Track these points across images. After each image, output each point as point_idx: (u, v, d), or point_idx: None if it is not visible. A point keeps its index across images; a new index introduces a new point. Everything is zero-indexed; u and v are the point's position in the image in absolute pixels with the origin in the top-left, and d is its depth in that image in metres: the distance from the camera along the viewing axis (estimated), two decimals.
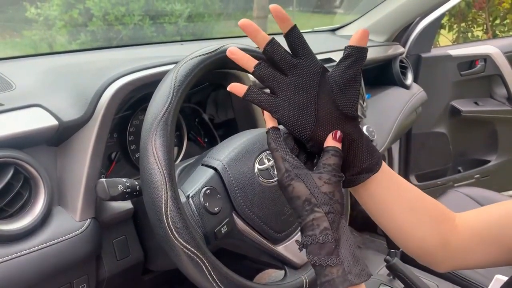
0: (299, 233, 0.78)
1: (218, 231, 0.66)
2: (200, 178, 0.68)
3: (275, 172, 0.74)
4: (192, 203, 0.65)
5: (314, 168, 0.52)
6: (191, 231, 0.58)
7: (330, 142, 0.53)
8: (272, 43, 0.53)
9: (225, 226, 0.67)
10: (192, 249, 0.58)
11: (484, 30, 3.95)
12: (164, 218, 0.57)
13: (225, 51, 0.71)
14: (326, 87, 0.54)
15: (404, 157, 2.05)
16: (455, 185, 2.11)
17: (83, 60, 0.99)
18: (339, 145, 0.53)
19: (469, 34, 3.94)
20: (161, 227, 0.57)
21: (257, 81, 1.02)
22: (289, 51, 0.54)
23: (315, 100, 0.53)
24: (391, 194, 0.56)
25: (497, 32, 3.81)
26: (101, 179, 0.65)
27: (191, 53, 0.69)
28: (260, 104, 0.54)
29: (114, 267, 0.79)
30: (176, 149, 0.99)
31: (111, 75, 0.77)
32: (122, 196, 0.66)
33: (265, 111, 0.55)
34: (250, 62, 0.54)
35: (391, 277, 1.10)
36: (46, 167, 0.71)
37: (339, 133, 0.53)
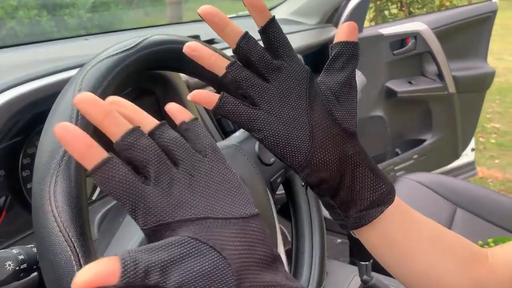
0: None
1: None
2: (133, 238, 0.47)
3: None
4: None
5: None
6: None
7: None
8: (247, 38, 0.39)
9: None
10: None
11: (399, 7, 4.01)
12: None
13: (149, 45, 0.50)
14: (319, 97, 0.40)
15: None
16: (395, 168, 2.06)
17: None
18: None
19: (386, 12, 3.98)
20: None
21: (189, 82, 0.81)
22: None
23: (306, 112, 0.39)
24: (408, 232, 0.43)
25: (411, 9, 3.88)
26: None
27: (101, 51, 0.47)
28: (239, 119, 0.39)
29: None
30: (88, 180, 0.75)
31: None
32: (15, 277, 0.44)
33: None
34: (219, 62, 0.39)
35: None
36: None
37: None
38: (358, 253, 0.98)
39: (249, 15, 1.31)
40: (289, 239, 1.10)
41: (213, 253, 0.29)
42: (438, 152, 2.19)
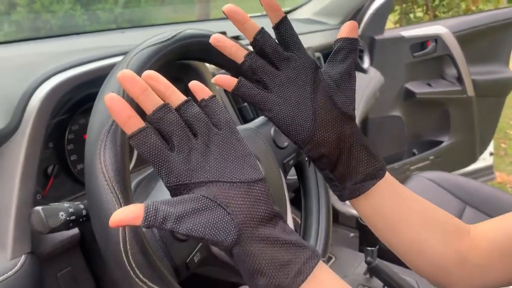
0: None
1: (190, 261, 0.54)
2: (164, 196, 0.55)
3: None
4: (156, 231, 0.53)
5: None
6: (159, 268, 0.46)
7: None
8: (263, 32, 0.46)
9: (198, 253, 0.55)
10: None
11: (424, 11, 4.01)
12: (123, 255, 0.45)
13: (183, 38, 0.58)
14: (322, 84, 0.47)
15: None
16: (411, 167, 2.10)
17: (6, 55, 0.82)
18: None
19: (411, 15, 3.99)
20: (119, 266, 0.45)
21: (216, 72, 0.90)
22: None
23: (311, 96, 0.46)
24: (398, 206, 0.49)
25: (437, 13, 3.88)
26: (36, 208, 0.51)
27: (142, 41, 0.55)
28: (253, 100, 0.46)
29: None
30: None
31: (42, 73, 0.62)
32: (65, 226, 0.53)
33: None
34: (239, 52, 0.46)
35: (368, 276, 1.04)
36: None
37: None
38: (365, 240, 1.05)
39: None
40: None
41: (219, 209, 0.37)
42: (454, 154, 2.22)
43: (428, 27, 2.05)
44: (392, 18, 4.04)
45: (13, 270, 0.56)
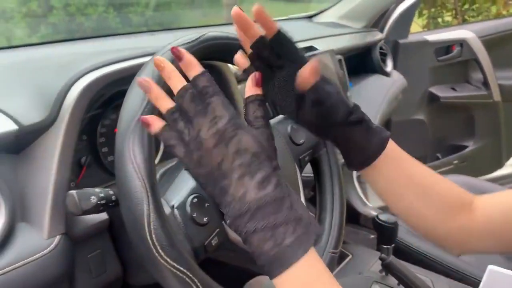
0: None
1: (208, 244, 0.58)
2: (185, 185, 0.60)
3: None
4: (178, 215, 0.57)
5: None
6: (179, 248, 0.51)
7: (252, 90, 0.47)
8: (259, 42, 0.50)
9: (216, 237, 0.59)
10: (181, 268, 0.50)
11: (453, 15, 3.97)
12: (147, 234, 0.49)
13: (207, 40, 0.63)
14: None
15: None
16: (435, 171, 2.10)
17: (44, 55, 0.89)
18: (260, 91, 0.47)
19: (440, 20, 3.96)
20: (143, 245, 0.50)
21: (238, 73, 0.95)
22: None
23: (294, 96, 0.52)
24: (401, 176, 0.55)
25: (466, 17, 3.84)
26: (71, 191, 0.56)
27: (169, 43, 0.60)
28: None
29: (89, 286, 0.70)
30: None
31: (77, 71, 0.68)
32: (96, 209, 0.58)
33: None
34: (254, 31, 0.50)
35: (384, 274, 1.06)
36: (6, 179, 0.61)
37: (257, 74, 0.47)
38: (381, 238, 1.08)
39: (299, 18, 1.46)
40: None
41: None
42: (479, 159, 2.20)
43: (453, 31, 2.05)
44: (420, 22, 4.01)
45: (48, 249, 0.62)
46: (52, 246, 0.62)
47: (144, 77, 0.47)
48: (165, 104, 0.46)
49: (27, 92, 0.67)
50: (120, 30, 3.73)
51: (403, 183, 0.54)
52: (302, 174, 0.88)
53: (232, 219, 0.42)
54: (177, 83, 0.45)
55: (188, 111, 0.44)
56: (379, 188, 0.57)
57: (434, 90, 2.03)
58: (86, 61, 0.73)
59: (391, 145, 0.54)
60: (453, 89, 2.08)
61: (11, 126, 0.60)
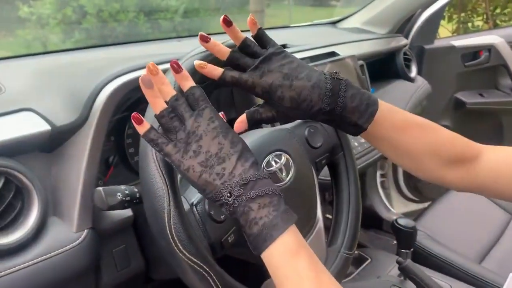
0: (312, 234, 0.75)
1: (225, 241, 0.61)
2: None
3: (284, 175, 0.70)
4: (197, 212, 0.61)
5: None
6: (196, 243, 0.54)
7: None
8: (247, 39, 0.57)
9: (232, 234, 0.62)
10: (198, 262, 0.54)
11: (484, 20, 3.90)
12: (167, 229, 0.53)
13: (229, 46, 0.66)
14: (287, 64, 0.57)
15: None
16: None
17: (77, 60, 0.94)
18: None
19: (469, 24, 3.90)
20: (164, 239, 0.53)
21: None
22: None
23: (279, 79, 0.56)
24: (399, 130, 0.58)
25: (497, 21, 3.76)
26: (98, 188, 0.60)
27: (191, 50, 0.64)
28: (236, 81, 0.56)
29: (114, 278, 0.75)
30: None
31: (107, 75, 0.73)
32: (121, 205, 0.62)
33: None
34: (223, 49, 0.57)
35: (402, 278, 1.07)
36: (39, 176, 0.66)
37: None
38: (399, 242, 1.09)
39: (323, 23, 1.49)
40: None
41: None
42: None
43: (481, 36, 2.02)
44: (450, 27, 3.95)
45: (77, 242, 0.66)
46: (80, 239, 0.67)
47: (146, 75, 0.52)
48: (160, 104, 0.52)
49: (60, 95, 0.72)
50: (150, 35, 3.82)
51: (402, 137, 0.58)
52: (322, 177, 0.90)
53: (235, 190, 0.47)
54: (170, 90, 0.53)
55: (184, 114, 0.51)
56: (378, 145, 0.61)
57: (460, 96, 2.01)
58: (115, 66, 0.77)
59: (382, 107, 0.57)
60: (481, 95, 2.05)
61: (45, 127, 0.65)
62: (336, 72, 0.57)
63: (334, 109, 0.55)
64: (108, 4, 3.58)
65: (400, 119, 0.58)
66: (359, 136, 0.59)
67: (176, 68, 0.52)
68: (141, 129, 0.52)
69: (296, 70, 0.55)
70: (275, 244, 0.46)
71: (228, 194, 0.48)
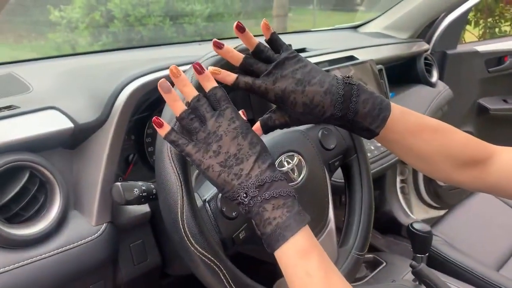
0: (323, 234, 0.76)
1: (236, 237, 0.63)
2: None
3: (296, 175, 0.72)
4: (209, 208, 0.63)
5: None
6: (208, 237, 0.56)
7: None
8: (261, 44, 0.59)
9: (244, 231, 0.64)
10: (209, 256, 0.56)
11: None
12: (180, 223, 0.55)
13: (242, 50, 0.68)
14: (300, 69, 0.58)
15: None
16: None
17: (100, 62, 0.98)
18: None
19: (496, 30, 3.82)
20: (176, 233, 0.55)
21: None
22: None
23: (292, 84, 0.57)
24: (411, 135, 0.58)
25: None
26: (116, 183, 0.63)
27: (208, 52, 0.66)
28: (250, 87, 0.57)
29: (131, 272, 0.77)
30: None
31: (127, 77, 0.76)
32: (138, 200, 0.65)
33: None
34: (236, 55, 0.59)
35: (417, 283, 1.06)
36: (62, 171, 0.69)
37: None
38: (414, 246, 1.08)
39: (344, 28, 1.50)
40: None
41: None
42: None
43: (506, 41, 1.99)
44: (476, 32, 3.89)
45: (96, 235, 0.69)
46: (99, 232, 0.70)
47: (165, 80, 0.54)
48: (180, 106, 0.53)
49: (83, 94, 0.75)
50: (174, 39, 3.89)
51: (414, 139, 0.58)
52: (336, 180, 0.91)
53: (251, 191, 0.49)
54: (192, 91, 0.54)
55: (205, 114, 0.52)
56: (391, 147, 0.61)
57: (483, 101, 1.98)
58: (136, 68, 0.80)
59: (395, 111, 0.57)
60: (505, 101, 2.02)
61: (68, 124, 0.68)
62: (348, 77, 0.57)
63: (346, 115, 0.55)
64: (135, 8, 3.67)
65: (413, 122, 0.58)
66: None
67: (199, 69, 0.54)
68: (162, 132, 0.53)
69: (309, 74, 0.56)
70: (287, 244, 0.47)
71: (244, 195, 0.49)
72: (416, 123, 0.58)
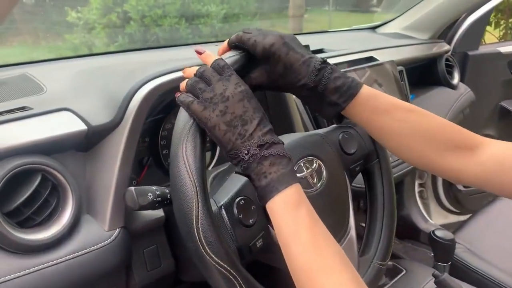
0: (343, 243, 0.73)
1: (253, 245, 0.61)
2: (234, 187, 0.63)
3: (315, 181, 0.69)
4: (225, 214, 0.60)
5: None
6: (224, 246, 0.54)
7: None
8: None
9: (261, 239, 0.62)
10: (225, 265, 0.53)
11: None
12: (195, 231, 0.53)
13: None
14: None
15: None
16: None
17: (114, 62, 0.97)
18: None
19: None
20: (191, 240, 0.53)
21: None
22: None
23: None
24: (381, 113, 0.59)
25: None
26: (130, 187, 0.61)
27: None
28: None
29: (144, 278, 0.75)
30: (209, 154, 0.94)
31: (141, 78, 0.74)
32: (152, 206, 0.62)
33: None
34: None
35: None
36: (75, 174, 0.68)
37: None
38: (436, 255, 1.05)
39: (363, 29, 1.47)
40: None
41: None
42: None
43: None
44: (496, 33, 3.80)
45: (108, 240, 0.67)
46: (112, 237, 0.68)
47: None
48: (189, 75, 0.59)
49: (96, 96, 0.74)
50: (190, 40, 3.89)
51: (382, 119, 0.59)
52: (356, 185, 0.88)
53: (252, 149, 0.53)
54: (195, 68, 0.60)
55: (211, 78, 0.56)
56: (365, 126, 0.62)
57: (506, 104, 1.93)
58: (151, 69, 0.78)
59: (366, 90, 0.59)
60: None
61: (82, 126, 0.67)
62: (326, 60, 0.61)
63: (317, 87, 0.59)
64: (151, 10, 3.67)
65: (384, 102, 0.59)
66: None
67: (199, 51, 0.61)
68: (177, 95, 0.58)
69: (294, 43, 0.60)
70: (279, 196, 0.51)
71: (246, 152, 0.53)
72: (388, 102, 0.59)
